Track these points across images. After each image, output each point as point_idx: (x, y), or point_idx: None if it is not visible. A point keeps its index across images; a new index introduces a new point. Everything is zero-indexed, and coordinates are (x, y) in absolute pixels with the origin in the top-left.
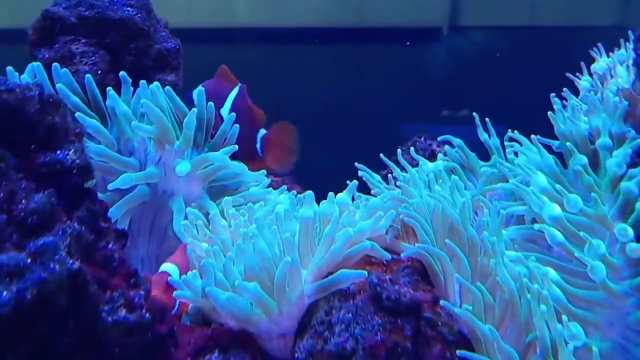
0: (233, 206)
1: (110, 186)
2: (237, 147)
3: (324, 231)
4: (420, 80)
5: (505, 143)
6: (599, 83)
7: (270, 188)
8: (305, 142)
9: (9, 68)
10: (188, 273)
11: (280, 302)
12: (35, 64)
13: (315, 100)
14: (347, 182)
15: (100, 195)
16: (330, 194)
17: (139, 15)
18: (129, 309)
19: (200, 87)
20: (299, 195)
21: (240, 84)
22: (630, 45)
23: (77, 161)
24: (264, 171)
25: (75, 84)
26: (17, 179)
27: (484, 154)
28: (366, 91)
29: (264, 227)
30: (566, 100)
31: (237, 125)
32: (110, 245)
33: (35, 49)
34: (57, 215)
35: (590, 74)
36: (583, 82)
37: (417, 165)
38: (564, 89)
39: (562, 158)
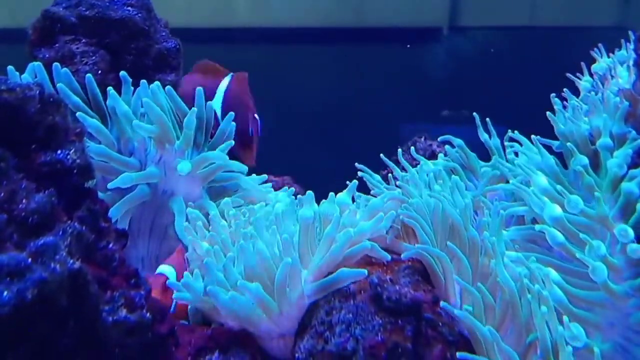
0: (234, 207)
1: (110, 185)
2: (233, 142)
3: (324, 231)
4: (420, 80)
5: (506, 143)
6: (599, 83)
7: (271, 188)
8: (305, 142)
9: (10, 67)
10: (187, 273)
11: (280, 302)
12: (35, 63)
13: (315, 100)
14: (347, 182)
15: (100, 195)
16: (331, 194)
17: (139, 15)
18: (129, 309)
19: (199, 88)
20: (299, 195)
21: (231, 74)
22: (631, 46)
23: (78, 161)
24: (265, 176)
25: (76, 84)
26: (17, 178)
27: (484, 154)
28: (366, 91)
29: (262, 228)
30: (566, 100)
31: (234, 123)
32: (110, 245)
33: (36, 49)
34: (58, 215)
35: (591, 74)
36: (583, 83)
37: (417, 165)
38: (565, 89)
39: (562, 158)
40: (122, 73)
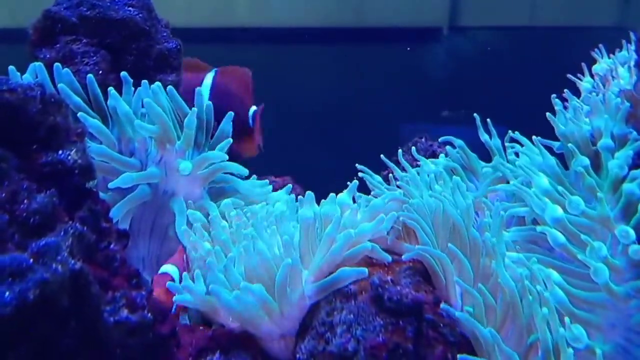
0: (234, 208)
1: (111, 185)
2: (231, 140)
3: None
4: (420, 80)
5: (506, 144)
6: (600, 84)
7: (270, 188)
8: (306, 142)
9: (11, 67)
10: (188, 274)
11: (281, 303)
12: (36, 64)
13: (315, 100)
14: (347, 182)
15: (101, 195)
16: (332, 194)
17: (140, 15)
18: (130, 310)
19: (198, 88)
20: (300, 196)
21: (215, 69)
22: (632, 47)
23: (79, 161)
24: (266, 181)
25: (77, 84)
26: (19, 179)
27: (484, 154)
28: (366, 91)
29: (262, 228)
30: (567, 101)
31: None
32: (112, 246)
33: (37, 49)
34: (59, 216)
35: (592, 75)
36: (584, 83)
37: (418, 165)
38: (565, 90)
39: (562, 159)
40: (123, 73)
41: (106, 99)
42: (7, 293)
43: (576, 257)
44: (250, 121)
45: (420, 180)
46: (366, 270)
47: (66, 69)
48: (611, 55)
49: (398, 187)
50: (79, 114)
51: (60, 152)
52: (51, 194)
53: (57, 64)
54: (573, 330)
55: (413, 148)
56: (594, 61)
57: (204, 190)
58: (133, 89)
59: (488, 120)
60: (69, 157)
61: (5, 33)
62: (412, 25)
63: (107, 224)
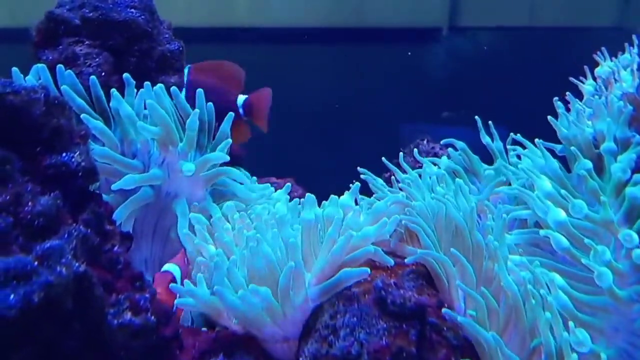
0: (237, 211)
1: (114, 186)
2: (230, 141)
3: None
4: (420, 80)
5: (508, 146)
6: (602, 87)
7: (271, 191)
8: (306, 143)
9: (15, 69)
10: (192, 274)
11: (284, 306)
12: (39, 65)
13: (315, 100)
14: (350, 185)
15: (103, 197)
16: (334, 196)
17: (142, 17)
18: (134, 312)
19: (199, 90)
20: (300, 197)
21: (188, 66)
22: (634, 50)
23: (83, 163)
24: (268, 185)
25: (80, 86)
26: (22, 181)
27: (485, 155)
28: (366, 91)
29: (264, 231)
30: (569, 103)
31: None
32: (115, 248)
33: (39, 51)
34: (63, 218)
35: (594, 78)
36: (587, 86)
37: (420, 167)
38: (567, 93)
39: (564, 162)
40: (126, 75)
41: (109, 101)
42: (12, 296)
43: (580, 261)
44: (241, 110)
45: (422, 183)
46: (368, 269)
47: (69, 70)
48: (613, 58)
49: (400, 189)
50: (82, 116)
51: (64, 154)
52: (55, 196)
53: (59, 66)
54: (577, 335)
55: (415, 150)
56: (596, 63)
57: (206, 192)
58: (135, 90)
59: (490, 122)
60: (73, 160)
61: (5, 33)
62: (412, 26)
63: (110, 226)
